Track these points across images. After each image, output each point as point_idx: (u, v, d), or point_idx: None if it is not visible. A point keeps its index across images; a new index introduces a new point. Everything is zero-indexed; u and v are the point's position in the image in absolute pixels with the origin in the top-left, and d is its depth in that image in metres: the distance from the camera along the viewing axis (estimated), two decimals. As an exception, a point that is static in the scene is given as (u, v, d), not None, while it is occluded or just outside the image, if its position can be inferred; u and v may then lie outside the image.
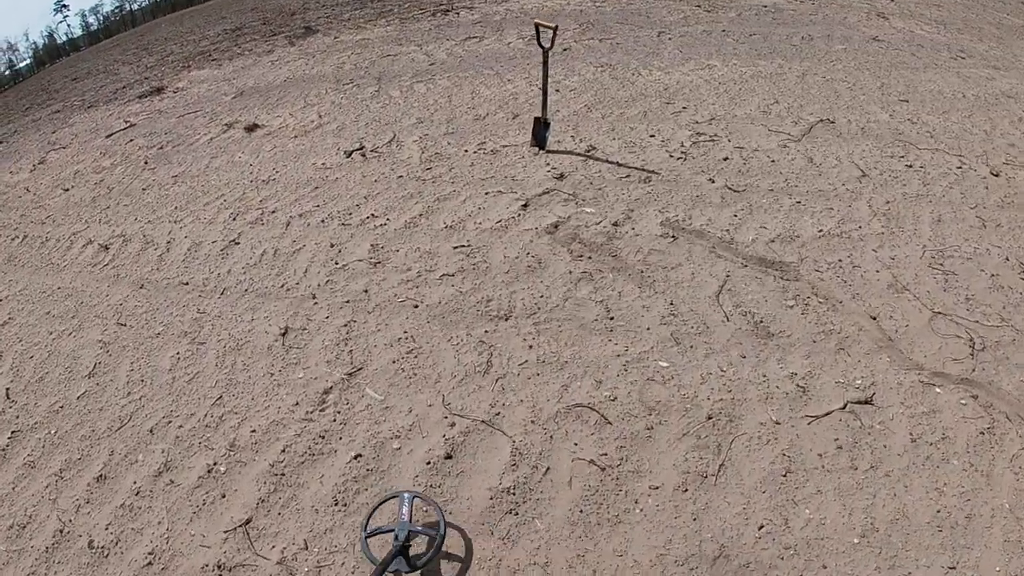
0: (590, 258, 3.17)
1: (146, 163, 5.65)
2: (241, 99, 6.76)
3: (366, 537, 1.98)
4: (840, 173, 3.76)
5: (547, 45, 3.94)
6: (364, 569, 2.02)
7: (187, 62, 8.65)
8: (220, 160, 5.34)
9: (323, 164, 4.79)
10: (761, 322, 2.73)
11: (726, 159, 4.00)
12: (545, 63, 4.01)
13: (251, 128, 5.84)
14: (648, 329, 2.74)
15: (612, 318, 2.80)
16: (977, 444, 2.21)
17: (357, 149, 4.87)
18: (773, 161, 3.96)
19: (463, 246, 3.40)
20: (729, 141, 4.25)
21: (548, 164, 4.13)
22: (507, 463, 2.28)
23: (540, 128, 4.32)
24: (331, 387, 2.71)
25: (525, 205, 3.69)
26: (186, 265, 3.85)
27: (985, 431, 2.24)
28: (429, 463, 2.32)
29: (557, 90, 5.43)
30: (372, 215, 3.88)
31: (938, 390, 2.43)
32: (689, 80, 5.39)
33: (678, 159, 4.03)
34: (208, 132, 6.05)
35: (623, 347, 2.66)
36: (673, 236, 3.24)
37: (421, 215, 3.81)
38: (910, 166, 3.80)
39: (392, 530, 1.95)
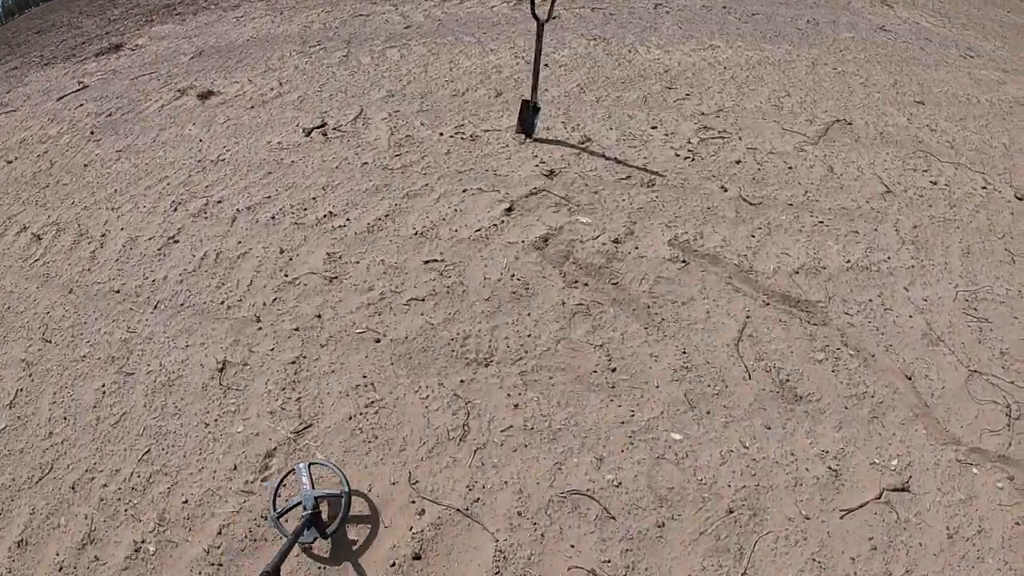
0: (587, 285, 2.64)
1: (92, 133, 4.78)
2: (199, 60, 5.80)
3: (277, 517, 1.91)
4: (863, 187, 3.29)
5: (543, 17, 3.27)
6: None
7: (151, 16, 7.51)
8: (169, 133, 4.52)
9: (279, 143, 4.05)
10: (787, 381, 2.28)
11: (738, 162, 3.48)
12: (539, 38, 3.35)
13: (205, 95, 4.99)
14: (657, 387, 2.25)
15: (614, 369, 2.30)
16: (1012, 537, 1.87)
17: (318, 127, 4.13)
18: (790, 168, 3.45)
19: (436, 261, 2.82)
20: (740, 139, 3.71)
21: (536, 156, 3.53)
22: (489, 568, 1.79)
23: (528, 112, 3.67)
24: (275, 448, 2.15)
25: (509, 209, 3.10)
26: (119, 267, 3.16)
27: (1020, 521, 1.90)
28: (394, 564, 1.81)
29: (546, 65, 4.74)
30: (330, 212, 3.23)
31: (975, 470, 2.06)
32: (691, 62, 4.78)
33: (685, 159, 3.48)
34: (160, 98, 5.15)
35: (628, 411, 2.17)
36: (684, 261, 2.73)
37: (387, 215, 3.18)
38: (935, 183, 3.35)
39: (299, 502, 1.88)
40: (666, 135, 3.73)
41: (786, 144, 3.69)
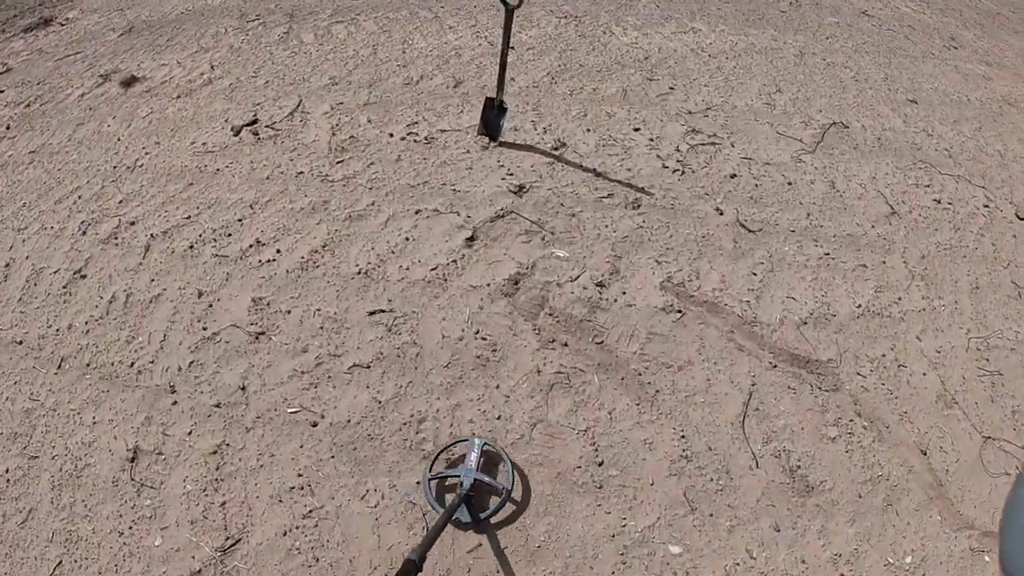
0: (566, 345, 2.18)
1: (8, 128, 3.92)
2: (128, 38, 4.83)
3: (430, 480, 1.76)
4: (867, 208, 2.90)
5: (513, 1, 2.67)
6: None
7: (86, -17, 6.36)
8: (87, 129, 3.70)
9: (204, 144, 3.35)
10: (798, 468, 1.91)
11: (733, 176, 3.02)
12: (507, 28, 2.74)
13: (129, 82, 4.13)
14: (652, 484, 1.84)
15: (602, 463, 1.87)
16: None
17: (249, 123, 3.43)
18: (790, 184, 3.02)
19: (383, 311, 2.29)
20: (733, 146, 3.24)
21: (502, 165, 2.98)
22: None
23: (492, 113, 3.09)
24: (199, 571, 1.66)
25: (472, 238, 2.58)
26: (23, 307, 2.54)
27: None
28: None
29: (512, 47, 4.11)
30: (257, 241, 2.64)
31: (987, 558, 1.78)
32: (673, 48, 4.22)
33: (674, 172, 3.00)
34: (81, 85, 4.24)
35: (619, 519, 1.76)
36: (679, 310, 2.29)
37: (325, 246, 2.61)
38: (938, 201, 2.99)
39: (457, 475, 1.72)
40: (651, 140, 3.22)
41: (783, 153, 3.24)
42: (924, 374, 2.24)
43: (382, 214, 2.74)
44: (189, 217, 2.89)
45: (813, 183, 3.07)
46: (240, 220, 2.82)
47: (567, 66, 3.91)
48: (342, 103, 3.57)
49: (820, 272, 2.55)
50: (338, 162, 3.08)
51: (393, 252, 2.55)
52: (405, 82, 3.74)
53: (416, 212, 2.75)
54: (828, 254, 2.66)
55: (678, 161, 3.08)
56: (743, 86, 3.84)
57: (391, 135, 3.24)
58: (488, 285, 2.38)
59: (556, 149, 3.11)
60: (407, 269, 2.46)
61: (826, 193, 3.01)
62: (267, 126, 3.40)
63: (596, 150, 3.14)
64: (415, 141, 3.17)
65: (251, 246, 2.64)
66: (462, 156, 3.07)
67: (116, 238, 2.81)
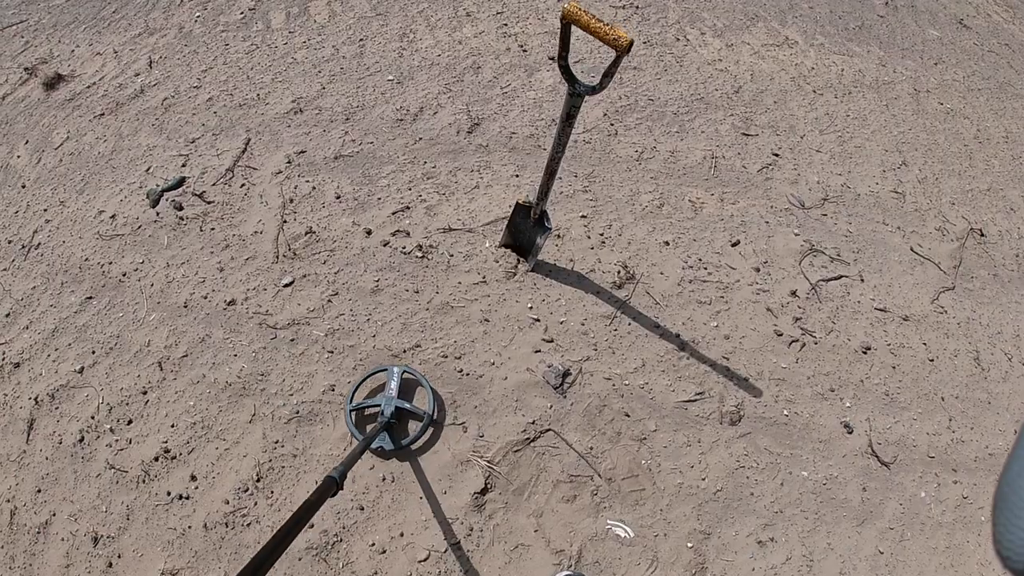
0: None
1: None
2: (68, 9, 3.12)
3: (351, 411, 1.51)
4: (1013, 393, 1.79)
5: (593, 83, 1.21)
6: None
7: None
8: None
9: (113, 219, 1.98)
10: None
11: (867, 351, 1.80)
12: (569, 122, 1.29)
13: (53, 83, 2.55)
14: None
15: None
16: None
17: (173, 187, 2.04)
18: (931, 360, 1.86)
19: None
20: (863, 281, 1.91)
21: (537, 320, 1.68)
22: None
23: (527, 223, 1.69)
24: None
25: (483, 490, 1.48)
26: None
27: None
28: None
29: (550, 58, 2.63)
30: (164, 451, 1.49)
31: None
32: (768, 74, 2.70)
33: (791, 344, 1.73)
34: (5, 80, 2.60)
35: None
36: None
37: (259, 481, 1.52)
38: None
39: (378, 404, 1.50)
40: (757, 269, 1.88)
41: (922, 293, 1.99)
42: None
43: (340, 424, 1.62)
44: (82, 370, 1.70)
45: (956, 357, 1.88)
46: (145, 393, 1.66)
47: (632, 99, 2.48)
48: (304, 152, 2.21)
49: (955, 534, 1.50)
50: (286, 284, 1.85)
51: (363, 510, 1.48)
52: (398, 116, 2.34)
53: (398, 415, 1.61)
54: (966, 497, 1.61)
55: (796, 321, 1.85)
56: (862, 152, 2.45)
57: (368, 233, 1.94)
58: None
59: (620, 285, 1.78)
60: (393, 558, 1.41)
61: (970, 375, 1.84)
62: (196, 194, 2.10)
63: (680, 289, 1.85)
64: (403, 252, 1.91)
65: (156, 459, 1.53)
66: (473, 291, 1.74)
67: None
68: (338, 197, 1.97)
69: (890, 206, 2.22)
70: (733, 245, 1.94)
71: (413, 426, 1.53)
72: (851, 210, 2.17)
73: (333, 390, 1.57)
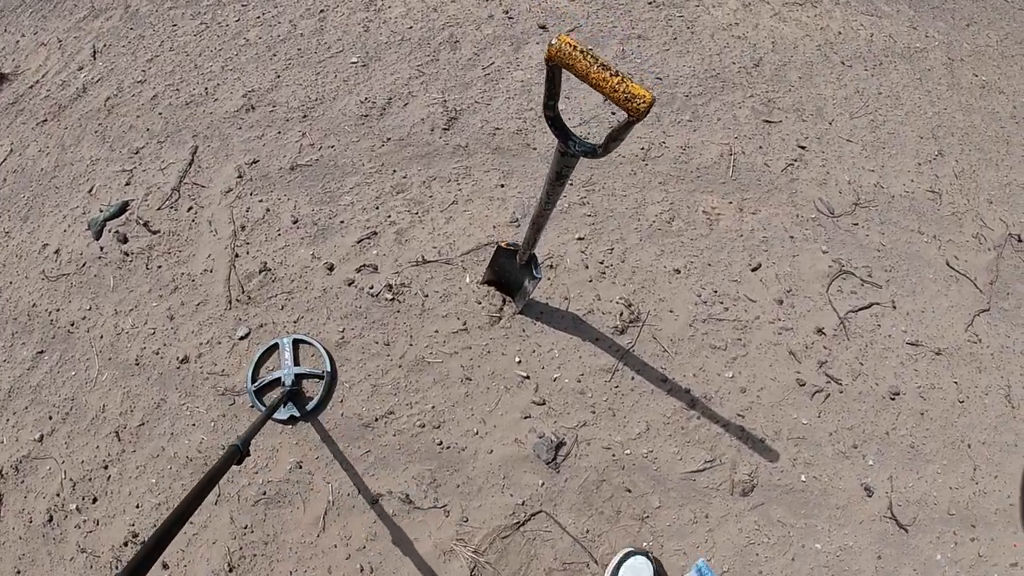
0: None
1: None
2: None
3: (255, 391, 1.33)
4: None
5: (594, 142, 0.99)
6: None
7: None
8: None
9: (57, 255, 1.56)
10: None
11: (895, 396, 1.45)
12: (559, 181, 0.84)
13: None
14: None
15: None
16: None
17: (116, 215, 1.57)
18: (961, 402, 1.48)
19: None
20: (895, 308, 1.50)
21: (526, 376, 1.33)
22: None
23: (513, 264, 1.26)
24: None
25: None
26: None
27: None
28: None
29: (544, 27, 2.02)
30: (131, 535, 1.20)
31: None
32: (791, 41, 2.03)
33: (814, 395, 1.37)
34: None
35: None
36: None
37: (231, 571, 1.23)
38: None
39: (279, 377, 1.33)
40: (780, 301, 1.44)
41: (956, 319, 1.56)
42: None
43: (315, 502, 1.32)
44: (41, 439, 1.39)
45: (987, 395, 1.52)
46: (106, 467, 1.35)
47: (637, 79, 1.92)
48: (256, 163, 1.73)
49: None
50: (241, 337, 1.47)
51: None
52: (363, 111, 1.81)
53: (373, 502, 1.31)
54: (982, 556, 1.35)
55: (820, 366, 1.45)
56: (896, 140, 1.91)
57: (330, 269, 1.50)
58: None
59: (623, 329, 1.38)
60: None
61: (999, 415, 1.50)
62: (140, 222, 1.66)
63: (691, 332, 1.40)
64: (371, 294, 1.50)
65: (126, 543, 1.24)
66: (453, 341, 1.35)
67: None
68: (295, 222, 1.55)
69: (926, 209, 1.76)
70: (753, 270, 1.53)
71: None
72: (884, 216, 1.72)
73: (300, 467, 1.28)
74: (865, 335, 1.50)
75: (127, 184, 1.67)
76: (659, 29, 1.97)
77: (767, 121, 1.81)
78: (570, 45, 0.66)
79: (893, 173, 1.81)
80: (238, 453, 0.85)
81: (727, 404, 1.35)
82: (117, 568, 1.24)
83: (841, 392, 1.40)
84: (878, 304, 1.55)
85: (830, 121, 1.87)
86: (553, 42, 0.67)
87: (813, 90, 1.94)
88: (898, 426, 1.41)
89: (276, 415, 1.29)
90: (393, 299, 1.42)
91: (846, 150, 1.82)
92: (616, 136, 0.71)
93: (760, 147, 1.75)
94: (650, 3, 2.05)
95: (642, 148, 1.71)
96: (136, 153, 1.74)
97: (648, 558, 1.14)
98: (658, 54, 1.91)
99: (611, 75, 0.63)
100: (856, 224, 1.67)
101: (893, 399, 1.43)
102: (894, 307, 1.55)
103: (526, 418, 1.29)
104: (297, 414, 1.30)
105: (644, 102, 0.62)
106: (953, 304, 1.60)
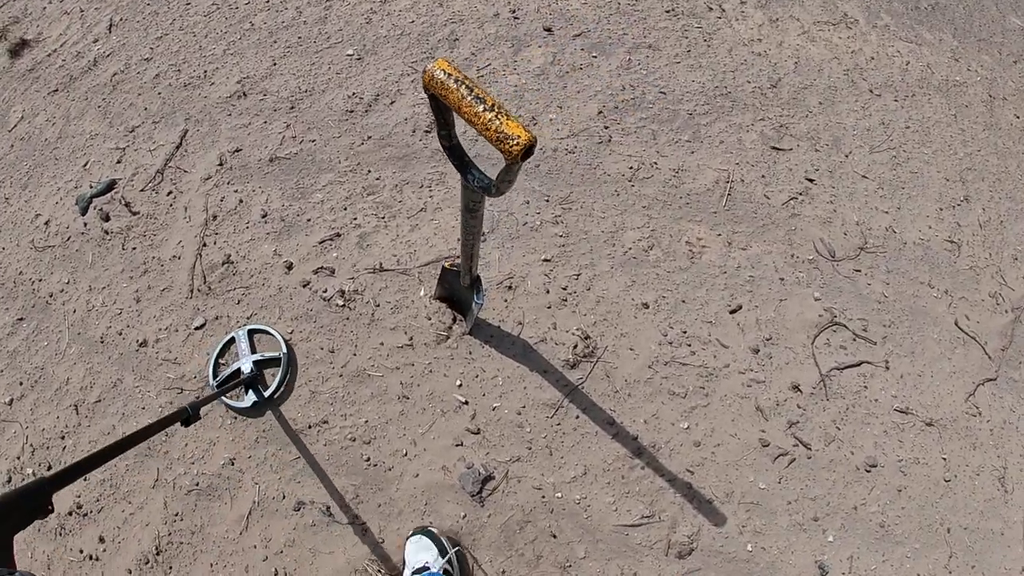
0: None
1: None
2: None
3: (218, 386, 1.24)
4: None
5: (489, 178, 0.88)
6: None
7: None
8: None
9: (47, 226, 1.52)
10: None
11: (871, 469, 1.15)
12: (470, 220, 0.72)
13: (17, 50, 1.94)
14: None
15: None
16: None
17: (102, 192, 1.51)
18: (947, 481, 1.22)
19: None
20: (888, 369, 1.25)
21: (466, 401, 1.19)
22: None
23: (458, 285, 1.10)
24: None
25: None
26: None
27: None
28: None
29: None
30: (76, 505, 1.17)
31: None
32: (814, 60, 1.73)
33: (778, 458, 1.14)
34: None
35: None
36: None
37: (158, 554, 1.17)
38: None
39: (238, 368, 1.25)
40: (756, 350, 1.23)
41: (957, 387, 1.26)
42: None
43: (242, 500, 1.25)
44: (11, 402, 1.37)
45: (978, 475, 1.26)
46: (63, 438, 1.27)
47: (639, 91, 1.68)
48: (239, 151, 1.64)
49: None
50: (197, 327, 1.40)
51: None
52: (349, 106, 1.66)
53: (296, 509, 1.22)
54: None
55: (790, 427, 1.24)
56: (918, 181, 1.61)
57: (289, 268, 1.38)
58: None
59: (575, 364, 1.21)
60: None
61: (988, 499, 1.25)
62: (123, 202, 1.61)
63: (650, 374, 1.22)
64: (323, 298, 1.38)
65: (71, 513, 1.18)
66: (396, 356, 1.23)
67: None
68: (264, 216, 1.46)
69: (941, 260, 1.49)
70: (732, 312, 1.33)
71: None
72: (892, 264, 1.47)
73: (232, 464, 1.21)
74: (848, 396, 1.28)
75: (118, 162, 1.62)
76: (673, 40, 1.74)
77: (775, 148, 1.57)
78: (444, 72, 0.50)
79: (909, 217, 1.55)
80: (186, 414, 0.83)
81: (677, 457, 1.18)
82: (61, 535, 1.22)
83: (809, 458, 1.21)
84: (869, 363, 1.33)
85: (847, 153, 1.61)
86: (428, 67, 0.52)
87: (833, 118, 1.67)
88: (869, 501, 1.20)
89: (238, 404, 1.22)
90: (344, 305, 1.31)
91: (860, 187, 1.56)
92: (502, 178, 0.55)
93: (763, 176, 1.52)
94: (668, 11, 1.81)
95: (630, 167, 1.51)
96: (132, 131, 1.69)
97: None
98: (667, 66, 1.68)
99: (484, 109, 0.48)
100: (858, 270, 1.43)
101: (869, 471, 1.22)
102: (887, 368, 1.33)
103: (458, 445, 1.17)
104: (260, 399, 1.23)
105: (517, 144, 0.47)
106: (956, 370, 1.35)
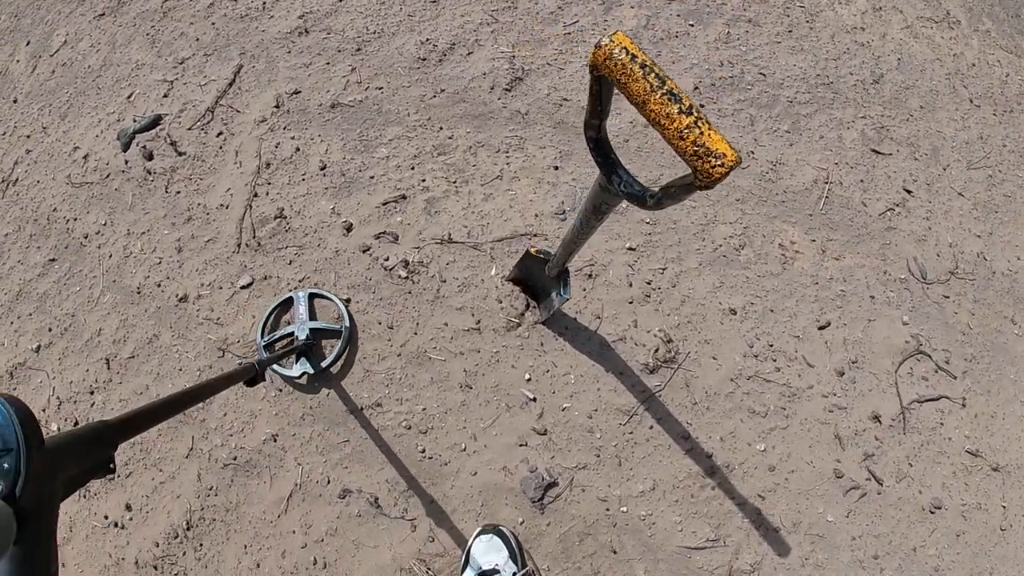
0: None
1: None
2: None
3: (265, 347, 0.96)
4: None
5: (648, 187, 0.28)
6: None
7: None
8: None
9: (85, 160, 1.16)
10: None
11: (936, 510, 0.92)
12: (592, 219, 0.38)
13: None
14: None
15: None
16: None
17: (146, 128, 1.13)
18: (1003, 530, 0.93)
19: None
20: (964, 407, 0.94)
21: (534, 397, 0.90)
22: None
23: (540, 269, 0.81)
24: None
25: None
26: None
27: None
28: None
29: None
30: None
31: None
32: (917, 59, 1.31)
33: (848, 492, 0.86)
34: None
35: None
36: None
37: (188, 529, 0.91)
38: None
39: (291, 332, 0.96)
40: (840, 374, 0.92)
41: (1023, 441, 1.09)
42: None
43: (283, 481, 0.98)
44: (38, 350, 1.06)
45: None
46: (92, 393, 0.99)
47: (738, 70, 1.28)
48: (298, 93, 1.26)
49: None
50: (243, 286, 1.08)
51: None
52: (421, 53, 1.27)
53: (341, 496, 0.95)
54: None
55: (865, 459, 0.92)
56: (1011, 205, 1.22)
57: (348, 229, 1.04)
58: None
59: (654, 368, 0.91)
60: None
61: None
62: (169, 141, 1.24)
63: (732, 388, 0.91)
64: (385, 267, 1.05)
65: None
66: (461, 340, 0.92)
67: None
68: (323, 168, 1.11)
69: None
70: (821, 328, 1.03)
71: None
72: (979, 294, 1.15)
73: (275, 440, 0.95)
74: (924, 432, 1.01)
75: (165, 96, 1.24)
76: (774, 16, 1.31)
77: (875, 151, 1.21)
78: (628, 51, 0.19)
79: (1000, 244, 1.21)
80: (253, 371, 0.63)
81: (749, 480, 0.92)
82: (85, 497, 0.97)
83: (879, 494, 0.95)
84: (947, 398, 1.04)
85: (945, 166, 1.25)
86: (604, 42, 0.18)
87: (933, 125, 1.29)
88: (928, 544, 0.96)
89: (288, 372, 0.93)
90: (407, 277, 1.00)
91: (955, 205, 1.21)
92: (673, 195, 0.24)
93: (861, 180, 1.16)
94: (766, -16, 1.37)
95: (721, 157, 1.15)
96: (181, 63, 1.29)
97: None
98: (767, 45, 1.27)
99: (680, 111, 0.17)
100: (947, 296, 1.12)
101: (933, 512, 0.96)
102: (963, 405, 1.04)
103: (522, 445, 0.90)
104: (312, 370, 0.94)
105: (721, 166, 0.17)
106: (1033, 412, 1.08)
